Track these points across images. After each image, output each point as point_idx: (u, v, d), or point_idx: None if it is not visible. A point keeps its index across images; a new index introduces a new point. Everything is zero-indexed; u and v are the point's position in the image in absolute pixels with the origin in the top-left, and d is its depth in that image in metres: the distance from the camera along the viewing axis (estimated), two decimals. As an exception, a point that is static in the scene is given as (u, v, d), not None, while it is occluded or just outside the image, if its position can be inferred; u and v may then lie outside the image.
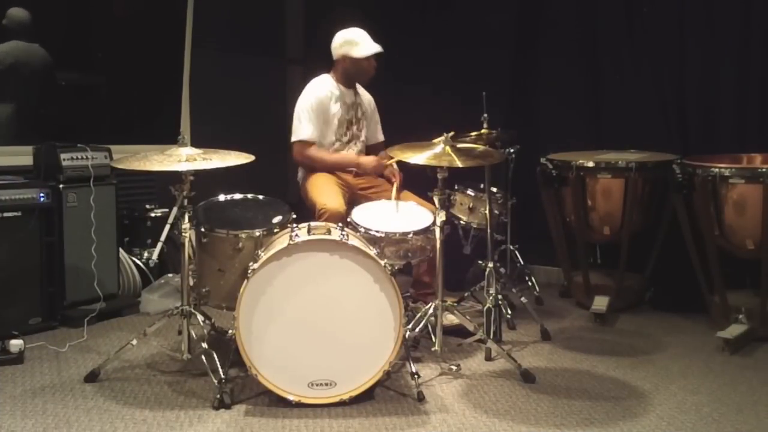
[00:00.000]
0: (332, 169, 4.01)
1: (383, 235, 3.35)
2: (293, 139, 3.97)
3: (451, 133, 3.34)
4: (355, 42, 3.99)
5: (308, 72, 4.41)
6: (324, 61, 4.18)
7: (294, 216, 3.48)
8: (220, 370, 3.02)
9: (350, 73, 4.06)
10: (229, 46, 5.46)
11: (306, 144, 3.95)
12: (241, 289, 2.91)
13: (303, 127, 3.95)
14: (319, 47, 4.35)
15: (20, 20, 4.31)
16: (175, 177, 3.15)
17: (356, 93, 4.15)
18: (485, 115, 4.03)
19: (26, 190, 3.82)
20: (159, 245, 3.10)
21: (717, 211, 3.79)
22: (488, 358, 3.49)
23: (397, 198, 3.77)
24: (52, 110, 4.57)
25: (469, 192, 4.16)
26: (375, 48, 4.00)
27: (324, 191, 3.83)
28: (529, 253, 4.68)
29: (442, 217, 3.27)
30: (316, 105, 3.95)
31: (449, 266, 3.44)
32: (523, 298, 3.97)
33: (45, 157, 4.00)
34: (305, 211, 3.86)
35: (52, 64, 4.50)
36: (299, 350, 2.93)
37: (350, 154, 4.08)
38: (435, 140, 3.35)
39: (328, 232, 3.06)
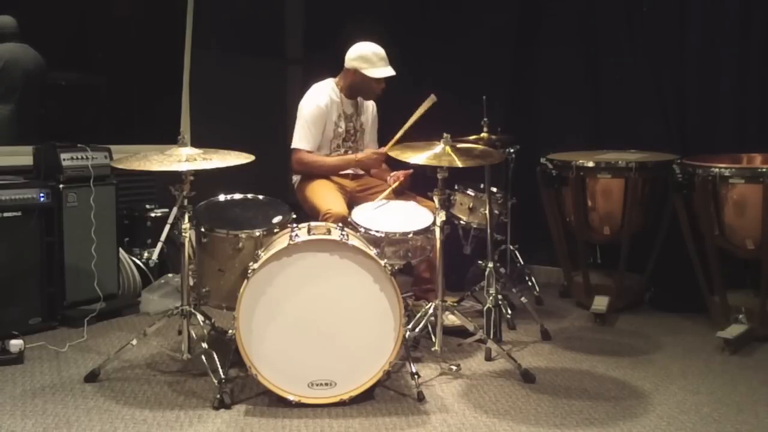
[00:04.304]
0: (333, 171, 3.99)
1: (383, 235, 3.35)
2: (292, 146, 3.96)
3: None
4: (370, 60, 3.89)
5: (308, 72, 4.41)
6: (324, 62, 4.16)
7: (294, 216, 3.48)
8: (220, 370, 3.02)
9: (357, 87, 3.99)
10: (229, 46, 5.45)
11: (304, 152, 3.93)
12: (241, 289, 2.91)
13: (302, 137, 3.92)
14: (319, 47, 4.34)
15: (8, 25, 4.34)
16: (175, 177, 3.14)
17: (357, 104, 4.09)
18: (485, 119, 4.03)
19: (26, 190, 3.82)
20: (159, 245, 3.09)
21: (717, 211, 3.79)
22: (488, 358, 3.49)
23: (394, 191, 3.79)
24: (47, 109, 4.57)
25: (469, 192, 4.16)
26: (388, 72, 3.91)
27: (326, 196, 3.81)
28: (529, 253, 4.68)
29: (442, 217, 3.27)
30: (317, 114, 3.91)
31: (449, 266, 3.44)
32: (523, 298, 3.97)
33: (45, 157, 4.00)
34: (305, 211, 3.86)
35: (43, 64, 4.49)
36: (299, 350, 2.93)
37: (347, 155, 4.04)
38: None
39: (328, 232, 3.06)
